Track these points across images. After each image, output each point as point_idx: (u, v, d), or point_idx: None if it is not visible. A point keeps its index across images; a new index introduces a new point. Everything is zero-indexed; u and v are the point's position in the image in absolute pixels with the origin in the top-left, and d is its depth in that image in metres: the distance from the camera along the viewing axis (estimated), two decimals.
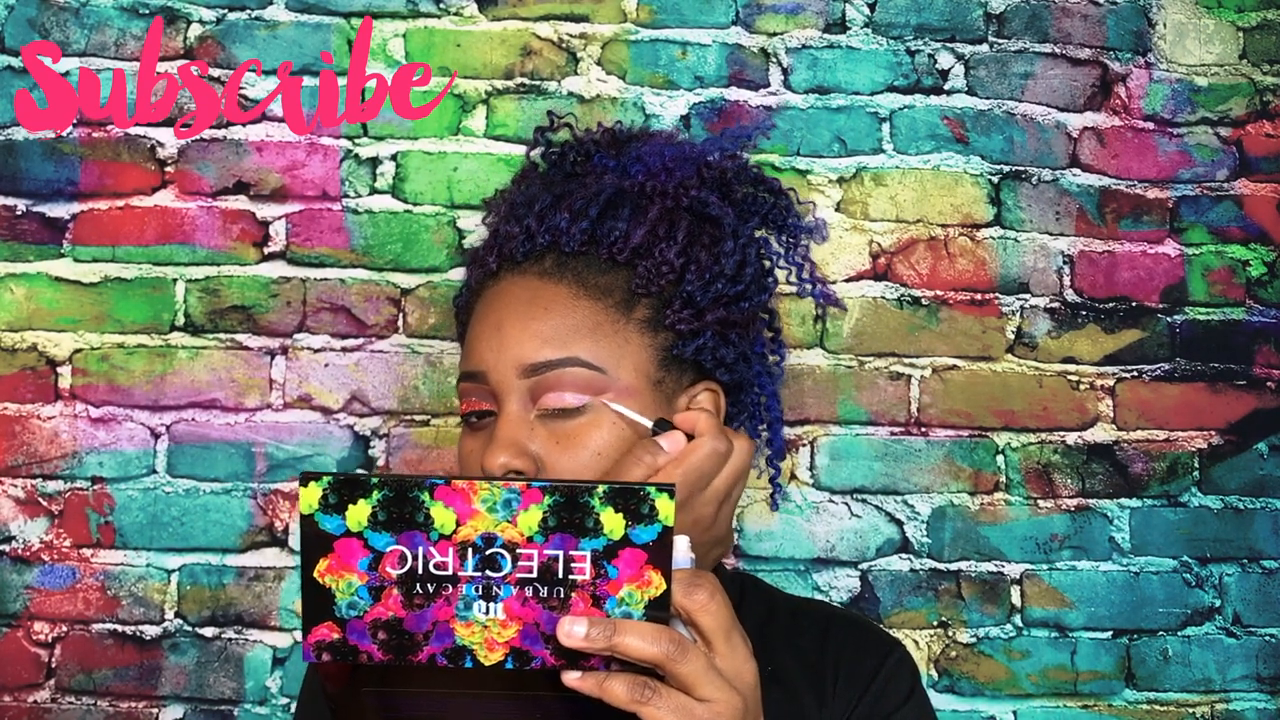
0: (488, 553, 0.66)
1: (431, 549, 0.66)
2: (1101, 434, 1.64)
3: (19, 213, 1.56)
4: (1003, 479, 1.63)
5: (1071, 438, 1.64)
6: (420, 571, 0.66)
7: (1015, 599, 1.61)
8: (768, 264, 1.04)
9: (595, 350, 0.91)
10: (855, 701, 0.99)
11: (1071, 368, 1.65)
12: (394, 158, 1.61)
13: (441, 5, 1.63)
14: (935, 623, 1.60)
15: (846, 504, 1.61)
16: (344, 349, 1.58)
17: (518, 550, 0.67)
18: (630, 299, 0.94)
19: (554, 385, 0.90)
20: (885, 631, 1.08)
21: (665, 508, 0.67)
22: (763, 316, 1.04)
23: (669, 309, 0.95)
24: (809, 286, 1.07)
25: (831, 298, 1.09)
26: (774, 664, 1.01)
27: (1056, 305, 1.65)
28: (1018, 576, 1.62)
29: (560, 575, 0.67)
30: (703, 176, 1.01)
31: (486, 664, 0.67)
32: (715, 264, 0.97)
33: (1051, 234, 1.66)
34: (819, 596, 1.59)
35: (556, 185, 1.02)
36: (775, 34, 1.66)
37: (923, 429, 1.63)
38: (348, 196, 1.60)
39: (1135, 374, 1.65)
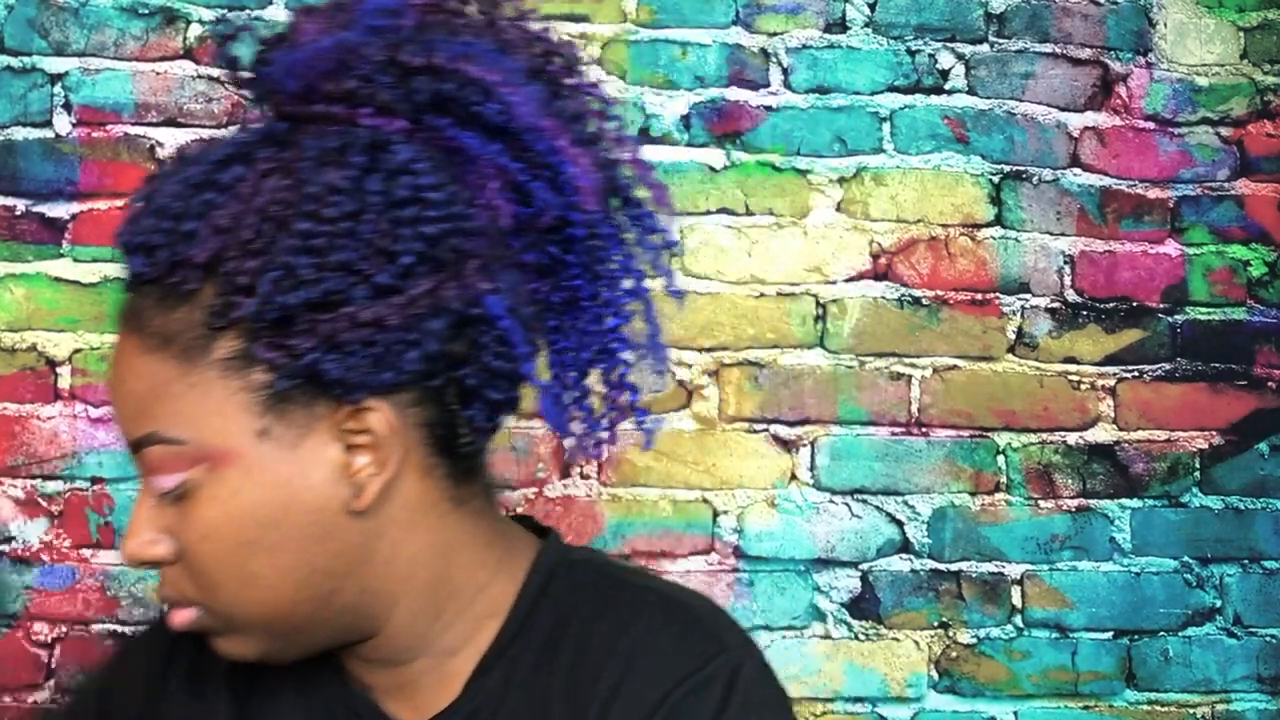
0: None
1: None
2: (1102, 434, 1.64)
3: (18, 213, 1.56)
4: (1003, 479, 1.63)
5: (1072, 438, 1.64)
6: None
7: (1016, 599, 1.61)
8: (428, 209, 0.70)
9: (169, 418, 0.71)
10: None
11: (1072, 368, 1.65)
12: None
13: None
14: (936, 623, 1.60)
15: (847, 504, 1.61)
16: None
17: None
18: (204, 338, 0.71)
19: (149, 465, 0.72)
20: (712, 637, 0.75)
21: None
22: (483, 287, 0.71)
23: (256, 339, 0.70)
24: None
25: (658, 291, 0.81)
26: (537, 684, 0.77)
27: (1057, 305, 1.65)
28: (1018, 577, 1.62)
29: None
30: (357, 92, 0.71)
31: None
32: (303, 261, 0.68)
33: (1052, 234, 1.66)
34: (819, 597, 1.59)
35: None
36: (775, 34, 1.66)
37: (923, 429, 1.62)
38: None
39: (1136, 374, 1.65)
